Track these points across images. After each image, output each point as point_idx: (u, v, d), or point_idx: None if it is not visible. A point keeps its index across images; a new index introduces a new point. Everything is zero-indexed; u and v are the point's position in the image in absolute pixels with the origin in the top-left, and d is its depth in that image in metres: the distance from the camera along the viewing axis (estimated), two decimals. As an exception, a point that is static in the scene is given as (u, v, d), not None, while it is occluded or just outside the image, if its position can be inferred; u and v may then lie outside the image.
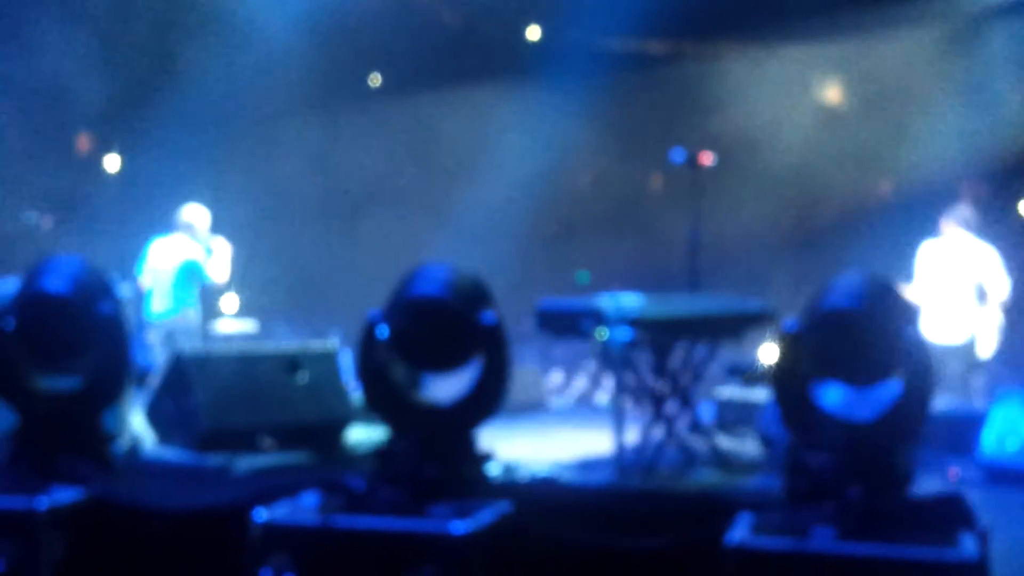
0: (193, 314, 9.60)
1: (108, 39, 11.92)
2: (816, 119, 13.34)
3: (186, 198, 9.91)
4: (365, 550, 4.87)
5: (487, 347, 5.45)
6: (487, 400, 5.49)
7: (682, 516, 5.34)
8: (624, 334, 6.84)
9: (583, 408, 10.63)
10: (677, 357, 7.46)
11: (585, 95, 12.90)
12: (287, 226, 13.65)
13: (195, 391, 6.96)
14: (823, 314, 5.02)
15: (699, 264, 8.04)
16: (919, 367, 5.00)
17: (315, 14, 12.26)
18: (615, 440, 6.94)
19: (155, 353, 9.11)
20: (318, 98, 13.68)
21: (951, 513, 4.82)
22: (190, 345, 8.88)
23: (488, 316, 5.40)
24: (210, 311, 10.62)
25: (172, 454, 6.93)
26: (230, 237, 9.87)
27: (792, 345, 5.10)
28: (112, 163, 13.21)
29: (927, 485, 5.65)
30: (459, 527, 4.81)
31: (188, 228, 9.62)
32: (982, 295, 8.80)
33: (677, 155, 8.12)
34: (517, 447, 7.23)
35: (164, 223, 9.73)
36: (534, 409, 9.73)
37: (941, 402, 7.74)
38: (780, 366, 5.16)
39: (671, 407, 7.39)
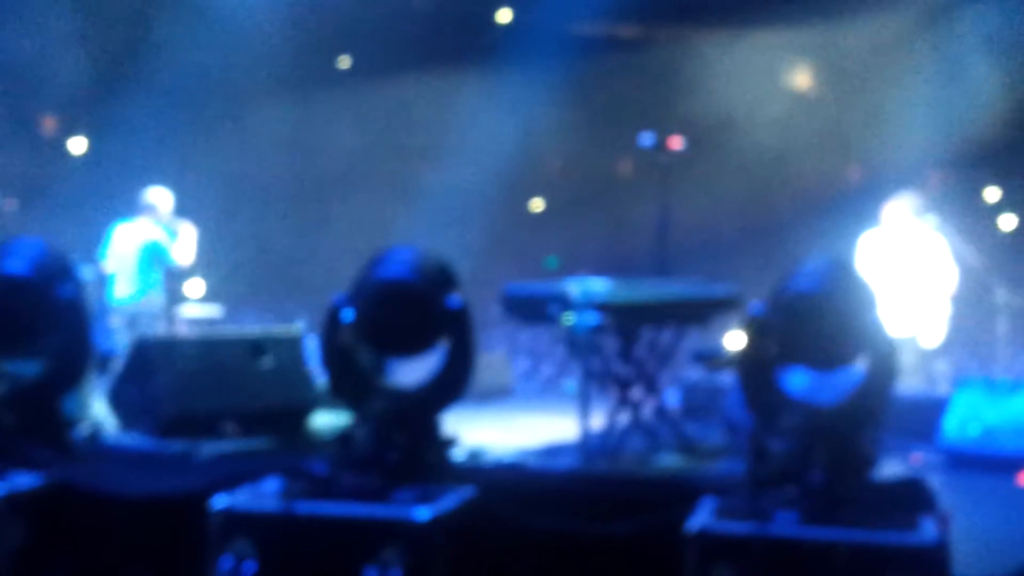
0: (157, 298, 9.52)
1: (74, 20, 11.81)
2: (786, 104, 13.37)
3: (152, 181, 9.82)
4: (327, 536, 4.84)
5: (453, 331, 5.43)
6: (452, 385, 5.47)
7: (646, 501, 5.34)
8: (590, 319, 6.82)
9: (550, 393, 10.62)
10: (644, 342, 7.45)
11: (555, 79, 12.87)
12: (256, 209, 13.58)
13: (158, 376, 6.90)
14: (787, 298, 5.03)
15: (667, 249, 8.03)
16: (882, 352, 5.02)
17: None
18: (581, 425, 6.93)
19: (118, 337, 9.04)
20: (288, 80, 13.60)
21: (912, 497, 4.85)
22: (153, 330, 8.82)
23: (454, 300, 5.37)
24: (175, 295, 10.54)
25: (134, 440, 6.87)
26: (197, 220, 9.79)
27: (757, 329, 5.11)
28: (77, 145, 13.08)
29: (889, 469, 5.68)
30: (423, 513, 4.79)
31: (152, 211, 9.54)
32: (928, 284, 8.56)
33: (646, 139, 8.08)
34: (483, 432, 7.22)
35: (129, 206, 9.64)
36: (501, 394, 9.72)
37: (903, 388, 7.77)
38: (745, 351, 5.16)
39: (637, 392, 7.39)
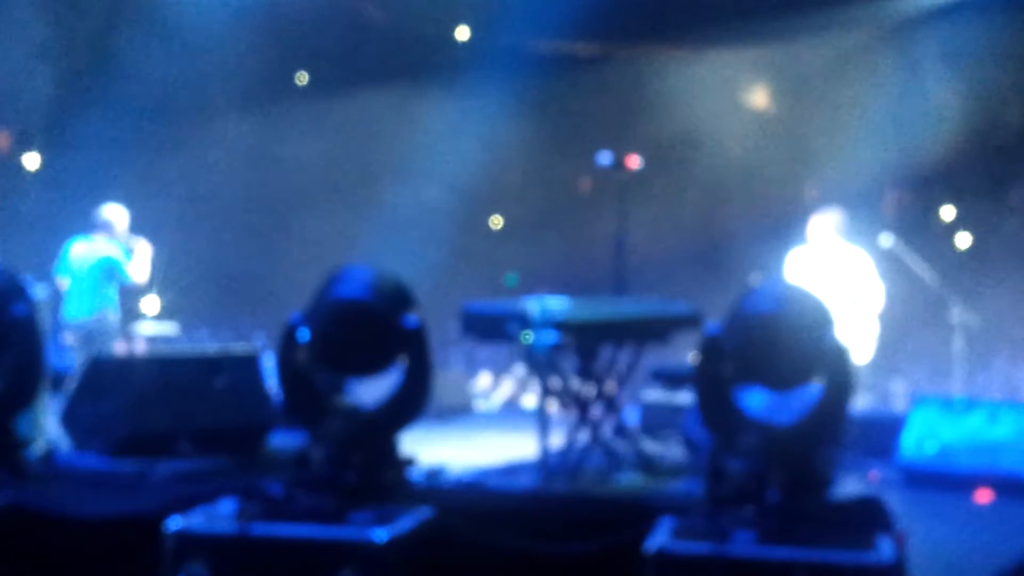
0: (112, 315, 9.42)
1: (29, 33, 11.69)
2: (744, 122, 13.45)
3: (108, 197, 9.73)
4: (283, 558, 4.80)
5: (410, 350, 5.41)
6: (410, 404, 5.45)
7: (605, 521, 5.34)
8: (549, 337, 6.81)
9: (510, 411, 10.60)
10: (603, 360, 7.44)
11: (513, 97, 12.89)
12: (214, 225, 13.49)
13: (112, 395, 6.83)
14: (743, 319, 5.04)
15: (625, 267, 8.03)
16: (838, 371, 5.04)
17: (245, 11, 12.13)
18: (540, 444, 6.92)
19: (73, 355, 8.93)
20: (248, 96, 13.54)
21: (869, 516, 4.87)
22: (108, 347, 8.72)
23: (411, 319, 5.35)
24: (130, 313, 10.44)
25: (88, 460, 6.79)
26: (154, 236, 9.71)
27: (714, 349, 5.12)
28: (31, 161, 12.94)
29: (847, 487, 5.71)
30: (380, 534, 4.75)
31: (107, 228, 9.44)
32: (854, 302, 8.36)
33: (604, 158, 8.08)
34: (442, 451, 7.19)
35: (84, 223, 9.54)
36: (460, 412, 9.68)
37: (861, 406, 7.82)
38: (701, 371, 5.17)
39: (596, 411, 7.38)
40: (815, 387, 5.07)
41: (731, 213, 13.17)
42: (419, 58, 13.52)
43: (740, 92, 13.95)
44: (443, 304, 9.16)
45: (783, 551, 4.50)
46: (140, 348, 10.11)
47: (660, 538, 4.63)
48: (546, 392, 7.15)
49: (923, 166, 12.23)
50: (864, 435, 6.99)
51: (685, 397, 7.88)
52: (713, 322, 5.19)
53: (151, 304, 11.20)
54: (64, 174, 12.49)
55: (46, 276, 9.01)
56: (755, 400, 5.37)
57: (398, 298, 5.36)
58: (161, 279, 10.39)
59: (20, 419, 5.95)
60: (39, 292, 6.75)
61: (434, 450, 6.90)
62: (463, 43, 13.79)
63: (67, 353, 8.98)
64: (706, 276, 11.49)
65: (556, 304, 6.94)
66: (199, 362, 7.18)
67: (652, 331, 7.49)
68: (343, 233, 12.96)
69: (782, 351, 4.93)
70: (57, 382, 7.34)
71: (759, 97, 14.12)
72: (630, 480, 6.90)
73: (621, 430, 7.46)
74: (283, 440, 7.17)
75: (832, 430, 5.11)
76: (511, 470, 7.11)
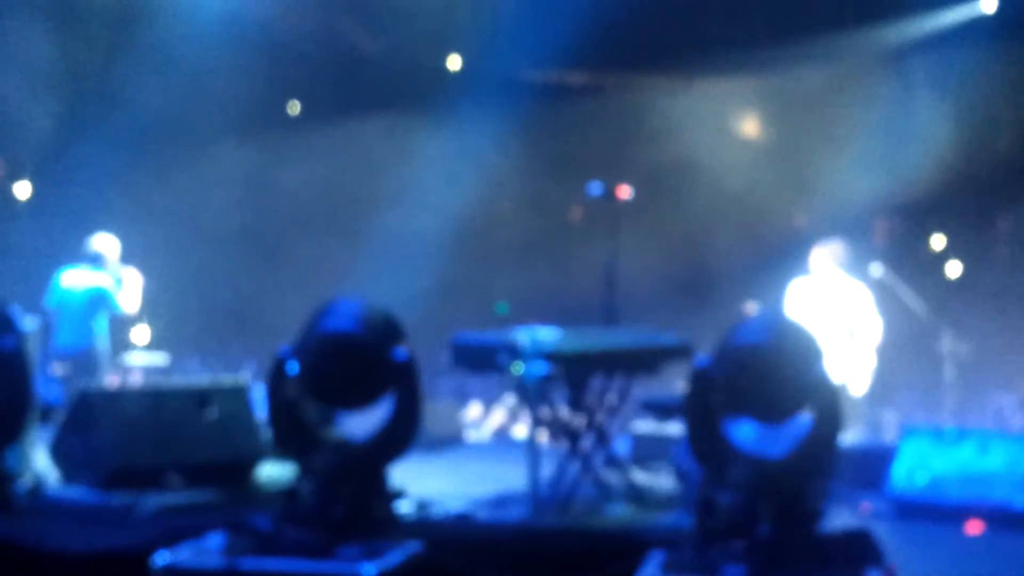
0: (102, 346, 9.40)
1: (20, 61, 11.70)
2: (735, 152, 13.47)
3: (98, 226, 9.72)
4: (271, 593, 4.77)
5: (399, 384, 5.40)
6: (399, 438, 5.44)
7: (595, 554, 5.32)
8: (539, 368, 6.80)
9: (501, 442, 10.57)
10: (593, 391, 7.43)
11: (505, 125, 12.91)
12: (205, 254, 13.45)
13: (101, 427, 6.80)
14: (733, 350, 5.05)
15: (616, 297, 8.03)
16: (828, 402, 5.04)
17: (238, 41, 12.15)
18: (530, 475, 6.90)
19: (62, 386, 8.90)
20: (240, 125, 13.54)
21: (859, 549, 4.86)
22: (97, 379, 8.69)
23: (400, 352, 5.35)
24: (121, 342, 10.41)
25: (76, 493, 6.74)
26: (146, 265, 9.70)
27: (703, 381, 5.12)
28: (22, 190, 12.92)
29: (838, 519, 5.69)
30: (368, 569, 4.74)
31: (98, 258, 9.44)
32: (852, 334, 8.47)
33: (594, 188, 8.11)
34: (433, 482, 7.16)
35: (75, 252, 9.53)
36: (451, 443, 9.65)
37: (851, 437, 7.81)
38: (691, 402, 5.16)
39: (587, 442, 7.36)
40: (805, 418, 5.07)
41: (722, 242, 13.17)
42: (411, 87, 13.55)
43: (731, 121, 13.99)
44: (434, 333, 9.15)
45: (773, 586, 4.48)
46: (131, 380, 10.07)
47: (650, 572, 4.62)
48: (536, 423, 7.15)
49: (913, 195, 12.24)
50: (854, 466, 6.98)
51: (676, 428, 7.87)
52: (702, 354, 5.19)
53: (141, 334, 11.17)
54: (55, 203, 12.47)
55: (36, 306, 8.99)
56: (745, 432, 5.36)
57: (387, 331, 5.36)
58: (152, 308, 10.36)
59: (8, 453, 5.91)
60: (28, 324, 6.73)
61: (424, 481, 6.88)
62: (455, 72, 13.83)
63: (56, 384, 8.95)
64: (697, 305, 11.49)
65: (546, 335, 6.94)
66: (188, 394, 7.15)
67: (642, 362, 7.47)
68: (334, 261, 12.94)
69: (772, 383, 4.94)
70: (46, 414, 7.30)
71: (750, 126, 14.16)
72: (620, 512, 6.88)
73: (611, 461, 7.44)
74: (272, 471, 7.14)
75: (822, 462, 5.10)
76: (501, 501, 7.09)
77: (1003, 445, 6.97)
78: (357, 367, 5.31)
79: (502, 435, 10.93)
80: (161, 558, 4.82)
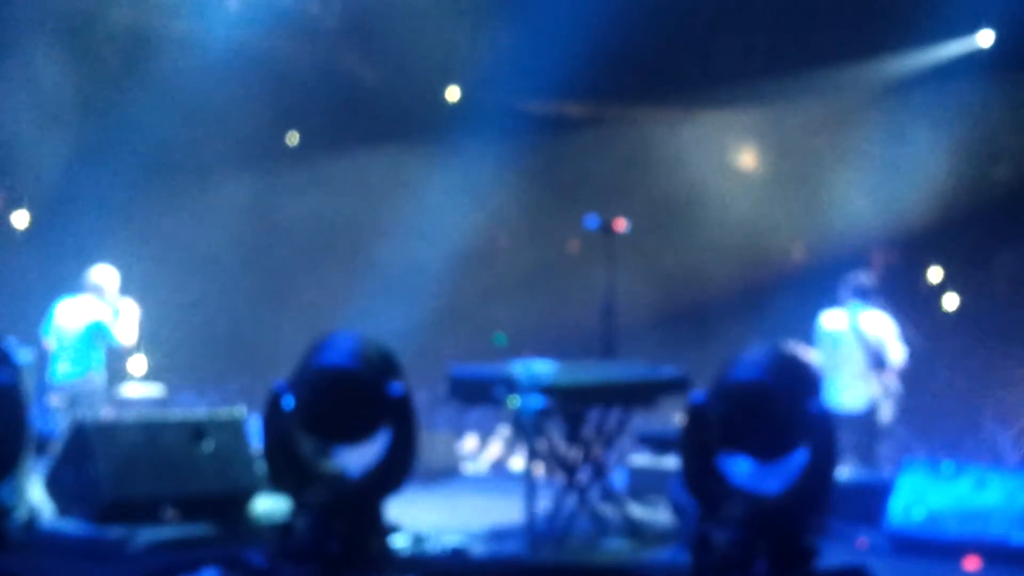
0: (99, 377, 9.38)
1: (18, 91, 11.73)
2: (733, 184, 13.50)
3: (96, 257, 9.72)
4: (264, 630, 4.75)
5: (395, 418, 5.38)
6: (394, 473, 5.42)
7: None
8: (536, 402, 6.80)
9: (497, 475, 10.54)
10: (590, 424, 7.42)
11: (503, 157, 12.94)
12: (203, 285, 13.46)
13: (96, 460, 6.77)
14: (729, 386, 5.04)
15: (613, 330, 8.03)
16: (824, 438, 5.02)
17: (238, 72, 12.20)
18: (527, 509, 6.88)
19: (59, 417, 8.88)
20: (240, 157, 13.57)
21: (855, 587, 4.84)
22: (93, 411, 8.67)
23: (396, 387, 5.33)
24: (117, 374, 10.39)
25: (71, 526, 6.71)
26: (143, 297, 9.69)
27: (699, 417, 5.11)
28: (20, 220, 12.93)
29: (835, 555, 5.67)
30: (362, 605, 4.71)
31: (96, 289, 9.43)
32: (879, 363, 8.64)
33: (591, 221, 8.13)
34: (429, 515, 7.15)
35: (73, 283, 9.53)
36: (447, 475, 9.63)
37: (848, 472, 7.80)
38: (687, 438, 5.15)
39: (584, 475, 7.35)
40: (801, 453, 5.06)
41: (720, 274, 13.18)
42: (411, 118, 13.59)
43: (730, 153, 14.02)
44: (432, 363, 9.14)
45: (769, 624, 4.46)
46: (127, 413, 10.04)
47: (645, 610, 4.59)
48: (533, 456, 7.13)
49: (910, 227, 12.27)
50: (851, 501, 6.96)
51: (673, 461, 7.85)
52: (698, 390, 5.18)
53: (138, 365, 11.16)
54: (53, 233, 12.48)
55: (33, 337, 8.98)
56: (741, 468, 5.35)
57: (383, 365, 5.35)
58: (149, 339, 10.35)
59: (3, 486, 5.89)
60: (24, 356, 6.71)
61: (420, 514, 6.86)
62: (454, 104, 13.88)
63: (52, 416, 8.92)
64: (695, 337, 11.50)
65: (542, 368, 6.93)
66: (184, 427, 7.12)
67: (639, 395, 7.48)
68: (333, 291, 12.95)
69: (767, 420, 4.92)
70: (42, 446, 7.28)
71: (748, 158, 14.20)
72: (617, 546, 6.86)
73: (608, 494, 7.43)
74: (268, 505, 7.11)
75: (819, 498, 5.08)
76: (497, 535, 7.07)
77: (1000, 480, 6.95)
78: (353, 402, 5.29)
79: (499, 467, 10.90)
80: (154, 594, 4.80)
